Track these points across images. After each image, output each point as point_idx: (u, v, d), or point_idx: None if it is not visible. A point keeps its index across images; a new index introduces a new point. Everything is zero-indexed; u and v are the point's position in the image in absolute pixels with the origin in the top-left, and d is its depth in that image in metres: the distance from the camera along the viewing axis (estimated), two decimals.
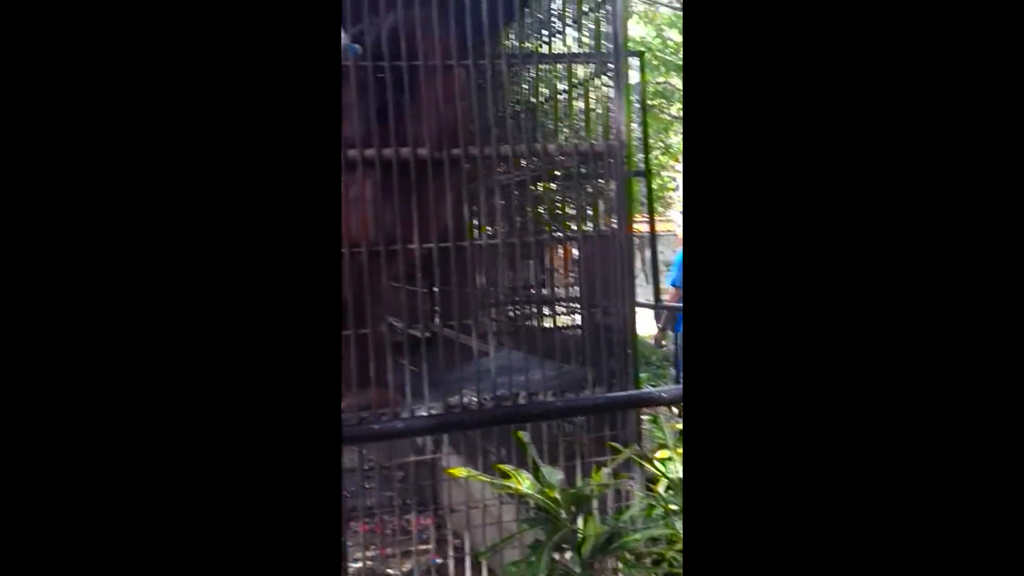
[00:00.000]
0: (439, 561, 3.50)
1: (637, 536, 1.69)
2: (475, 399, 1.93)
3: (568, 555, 1.76)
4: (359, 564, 3.49)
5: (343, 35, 1.84)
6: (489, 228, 2.81)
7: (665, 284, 2.99)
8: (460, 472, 1.84)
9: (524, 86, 2.80)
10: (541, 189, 2.78)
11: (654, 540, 1.72)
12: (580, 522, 1.71)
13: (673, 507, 1.71)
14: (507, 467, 1.76)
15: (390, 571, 3.81)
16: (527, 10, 2.58)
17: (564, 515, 1.71)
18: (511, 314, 2.91)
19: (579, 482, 1.91)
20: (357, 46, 1.82)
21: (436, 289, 3.27)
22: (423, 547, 3.83)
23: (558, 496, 1.71)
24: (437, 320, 2.91)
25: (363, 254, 1.80)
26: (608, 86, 2.26)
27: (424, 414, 1.86)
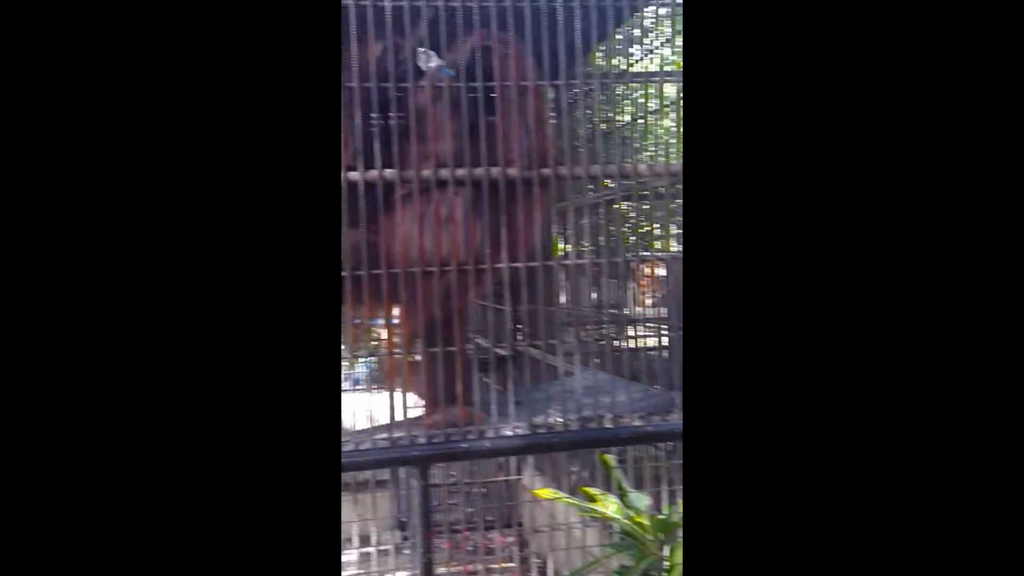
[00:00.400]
0: None
1: None
2: (560, 420, 1.91)
3: None
4: None
5: (436, 59, 1.88)
6: (576, 247, 2.80)
7: None
8: (546, 493, 1.82)
9: (614, 105, 2.79)
10: (629, 209, 2.75)
11: None
12: (668, 550, 1.67)
13: None
14: (593, 490, 1.73)
15: None
16: (619, 29, 2.58)
17: (651, 542, 1.66)
18: (597, 334, 2.88)
19: (665, 508, 1.87)
20: (450, 69, 1.86)
21: (522, 308, 3.28)
22: (505, 565, 3.81)
23: (646, 522, 1.67)
24: (522, 339, 2.92)
25: (452, 272, 1.82)
26: None
27: (509, 433, 1.86)
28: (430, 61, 1.85)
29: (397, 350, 1.94)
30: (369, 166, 1.74)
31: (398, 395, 1.90)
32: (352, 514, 3.41)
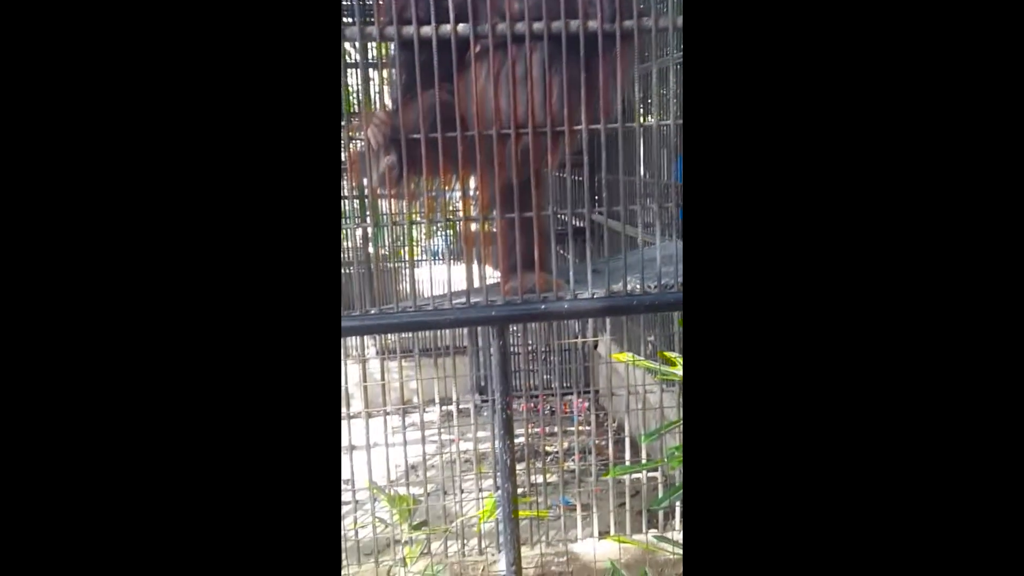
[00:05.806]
0: (598, 442, 3.58)
1: None
2: (638, 287, 1.89)
3: None
4: (520, 440, 3.66)
5: None
6: (658, 113, 2.67)
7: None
8: (623, 357, 1.83)
9: None
10: None
11: None
12: None
13: None
14: (672, 354, 1.73)
15: (549, 448, 3.98)
16: None
17: None
18: (676, 203, 2.80)
19: None
20: None
21: (600, 177, 3.20)
22: (581, 428, 3.95)
23: None
24: (601, 208, 2.86)
25: (528, 135, 1.77)
26: None
27: (588, 296, 1.85)
28: None
29: (474, 218, 1.93)
30: (442, 20, 1.66)
31: (476, 265, 1.90)
32: (433, 375, 3.56)
